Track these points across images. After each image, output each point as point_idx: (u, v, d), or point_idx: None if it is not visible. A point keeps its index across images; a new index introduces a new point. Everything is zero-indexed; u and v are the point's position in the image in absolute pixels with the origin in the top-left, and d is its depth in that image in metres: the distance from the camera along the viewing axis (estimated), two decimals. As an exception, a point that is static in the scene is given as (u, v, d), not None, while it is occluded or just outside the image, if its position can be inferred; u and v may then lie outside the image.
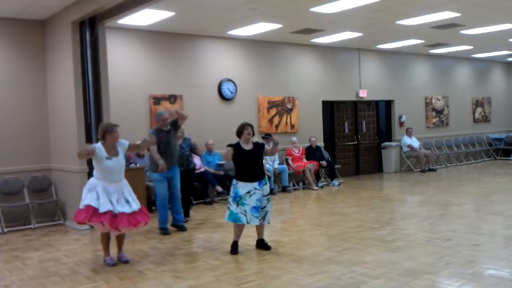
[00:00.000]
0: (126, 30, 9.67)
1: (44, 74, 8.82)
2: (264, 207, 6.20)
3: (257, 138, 6.71)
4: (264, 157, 6.43)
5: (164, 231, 7.48)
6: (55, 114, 8.68)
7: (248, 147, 6.27)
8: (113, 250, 6.15)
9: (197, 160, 10.11)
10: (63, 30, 8.11)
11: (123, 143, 6.06)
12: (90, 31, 7.93)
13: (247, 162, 6.18)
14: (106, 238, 6.00)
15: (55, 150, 8.76)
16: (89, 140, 7.93)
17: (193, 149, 8.76)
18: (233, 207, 6.12)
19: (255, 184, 6.12)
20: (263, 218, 6.21)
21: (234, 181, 6.23)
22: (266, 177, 6.35)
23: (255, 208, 6.06)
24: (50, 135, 8.86)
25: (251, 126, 6.34)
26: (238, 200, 6.09)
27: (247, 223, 6.10)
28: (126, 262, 5.99)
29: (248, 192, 6.08)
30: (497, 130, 18.04)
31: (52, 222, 8.53)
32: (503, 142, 17.24)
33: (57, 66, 8.47)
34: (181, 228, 7.65)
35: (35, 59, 8.77)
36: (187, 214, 8.40)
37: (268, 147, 6.49)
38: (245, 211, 6.06)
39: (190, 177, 8.68)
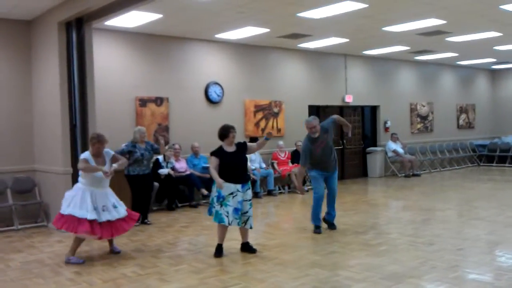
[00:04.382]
0: (113, 32, 9.62)
1: (30, 74, 8.74)
2: (246, 212, 6.20)
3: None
4: (250, 160, 6.44)
5: (316, 229, 7.39)
6: (40, 115, 8.60)
7: (231, 149, 6.29)
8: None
9: (182, 163, 10.10)
10: (49, 30, 8.05)
11: (109, 153, 6.28)
12: (76, 32, 7.86)
13: (230, 164, 6.20)
14: (80, 241, 6.13)
15: (40, 151, 8.67)
16: (73, 141, 7.89)
17: (156, 151, 8.55)
18: (217, 207, 6.14)
19: (239, 186, 6.14)
20: (245, 222, 6.21)
21: None
22: (250, 182, 6.36)
23: (236, 210, 6.08)
24: (35, 136, 8.77)
25: (234, 128, 6.38)
26: (222, 201, 6.10)
27: (229, 224, 6.12)
28: (118, 252, 6.32)
29: (231, 193, 6.10)
30: (481, 137, 18.24)
31: (35, 223, 8.43)
32: (487, 149, 17.44)
33: (42, 67, 8.40)
34: (331, 226, 7.59)
35: (20, 59, 8.67)
36: (145, 217, 8.36)
37: (252, 144, 6.52)
38: (228, 212, 6.08)
39: (152, 180, 8.65)
